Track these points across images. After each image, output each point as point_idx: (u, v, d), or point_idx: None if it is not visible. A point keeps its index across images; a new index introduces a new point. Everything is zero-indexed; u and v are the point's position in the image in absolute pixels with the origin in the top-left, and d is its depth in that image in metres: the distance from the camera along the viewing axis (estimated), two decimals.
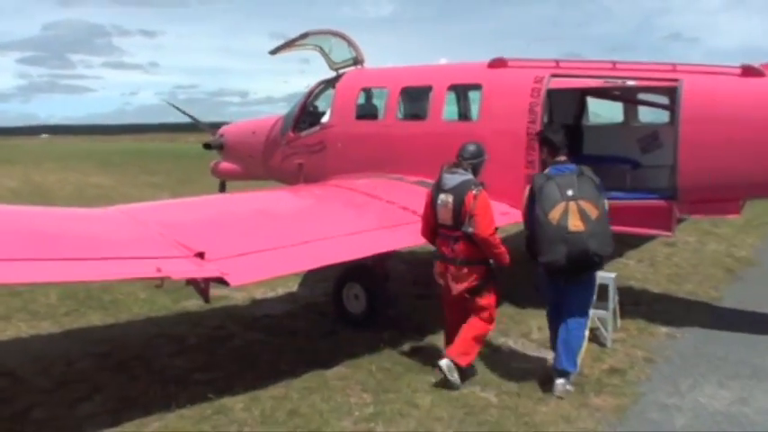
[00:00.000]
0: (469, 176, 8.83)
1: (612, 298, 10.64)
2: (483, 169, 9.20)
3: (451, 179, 8.81)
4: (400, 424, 7.77)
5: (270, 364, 9.64)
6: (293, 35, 15.87)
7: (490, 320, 9.06)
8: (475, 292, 8.82)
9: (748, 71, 10.54)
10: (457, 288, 8.81)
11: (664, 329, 11.22)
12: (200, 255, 7.93)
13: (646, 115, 14.92)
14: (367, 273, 11.33)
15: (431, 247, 12.61)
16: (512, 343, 10.54)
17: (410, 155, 13.19)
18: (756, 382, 9.08)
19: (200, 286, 8.31)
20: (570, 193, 8.31)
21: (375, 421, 7.83)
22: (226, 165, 18.26)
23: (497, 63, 12.72)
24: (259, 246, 8.66)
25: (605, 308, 10.47)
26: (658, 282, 14.65)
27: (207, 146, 18.86)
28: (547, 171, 8.84)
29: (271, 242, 8.86)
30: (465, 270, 8.74)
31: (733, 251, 17.90)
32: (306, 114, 15.74)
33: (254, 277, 8.46)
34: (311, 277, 13.34)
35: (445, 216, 8.79)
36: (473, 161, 9.04)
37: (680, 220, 11.86)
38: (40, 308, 12.68)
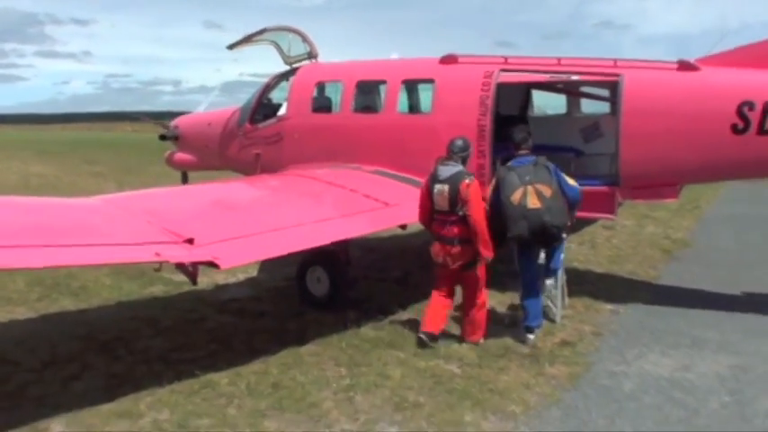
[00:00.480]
0: (461, 168, 9.94)
1: (560, 277, 11.42)
2: (470, 160, 10.55)
3: (446, 170, 9.88)
4: (376, 393, 8.45)
5: (245, 344, 10.22)
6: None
7: (484, 287, 10.31)
8: (469, 266, 9.97)
9: (684, 66, 11.42)
10: (454, 264, 9.93)
11: (608, 306, 12.08)
12: (190, 241, 8.49)
13: (587, 107, 15.69)
14: (329, 257, 11.91)
15: (381, 234, 13.44)
16: None
17: (366, 146, 13.83)
18: (696, 350, 9.96)
19: (189, 270, 8.87)
20: (528, 178, 9.88)
21: (353, 391, 8.51)
22: (181, 155, 18.63)
23: (449, 59, 13.41)
24: (243, 232, 9.24)
25: (554, 287, 11.28)
26: (600, 263, 15.58)
27: (162, 137, 19.17)
28: (509, 163, 10.27)
29: (253, 228, 9.48)
30: (460, 248, 9.83)
31: (669, 233, 19.02)
32: (262, 106, 16.21)
33: (241, 260, 9.00)
34: (269, 263, 13.59)
35: (442, 203, 9.85)
36: (462, 154, 10.18)
37: (619, 205, 12.62)
38: (11, 294, 13.00)
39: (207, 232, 8.85)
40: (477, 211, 9.70)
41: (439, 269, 10.27)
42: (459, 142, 10.30)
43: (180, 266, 8.85)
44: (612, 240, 18.09)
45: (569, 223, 10.46)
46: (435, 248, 10.10)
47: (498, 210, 10.02)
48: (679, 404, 8.21)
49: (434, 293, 10.38)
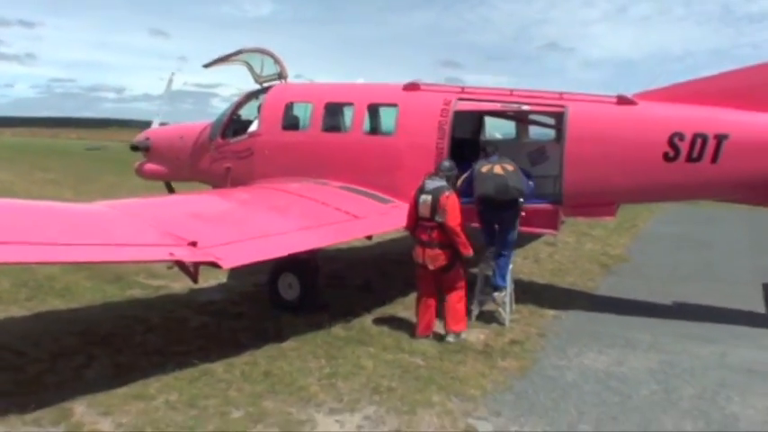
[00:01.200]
0: (444, 183, 11.43)
1: (508, 286, 12.79)
2: (453, 179, 11.93)
3: (431, 184, 11.41)
4: (354, 380, 9.71)
5: (231, 340, 11.33)
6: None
7: (462, 287, 11.72)
8: (446, 269, 11.37)
9: (623, 100, 12.88)
10: (433, 265, 11.33)
11: (551, 312, 13.48)
12: (193, 243, 9.57)
13: (534, 133, 17.04)
14: (300, 264, 12.96)
15: (340, 246, 15.03)
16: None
17: (333, 163, 15.02)
18: (630, 350, 11.39)
19: (190, 270, 9.95)
20: (494, 160, 12.62)
21: (334, 378, 9.77)
22: (151, 166, 19.52)
23: (411, 86, 14.79)
24: (238, 237, 10.39)
25: (503, 295, 12.69)
26: (543, 275, 17.06)
27: (134, 147, 20.10)
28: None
29: (247, 234, 10.63)
30: (438, 251, 11.25)
31: (607, 250, 20.65)
32: (233, 122, 17.28)
33: (239, 261, 9.99)
34: (237, 270, 14.30)
35: (425, 211, 11.36)
36: (448, 173, 11.75)
37: (561, 222, 13.95)
38: (0, 294, 13.90)
39: (207, 236, 9.93)
40: (453, 219, 11.15)
41: (419, 270, 11.64)
42: (447, 164, 12.01)
43: (182, 267, 9.91)
44: (554, 256, 19.58)
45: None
46: (417, 251, 11.52)
47: (473, 182, 12.54)
48: (614, 391, 9.63)
49: (420, 297, 11.82)
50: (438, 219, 11.21)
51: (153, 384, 9.40)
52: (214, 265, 9.59)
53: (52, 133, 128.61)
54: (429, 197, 11.33)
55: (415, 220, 11.60)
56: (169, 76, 21.66)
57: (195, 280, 10.22)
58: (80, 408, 8.70)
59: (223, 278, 15.42)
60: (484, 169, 12.49)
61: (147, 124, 20.93)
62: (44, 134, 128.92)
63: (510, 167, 12.45)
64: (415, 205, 11.55)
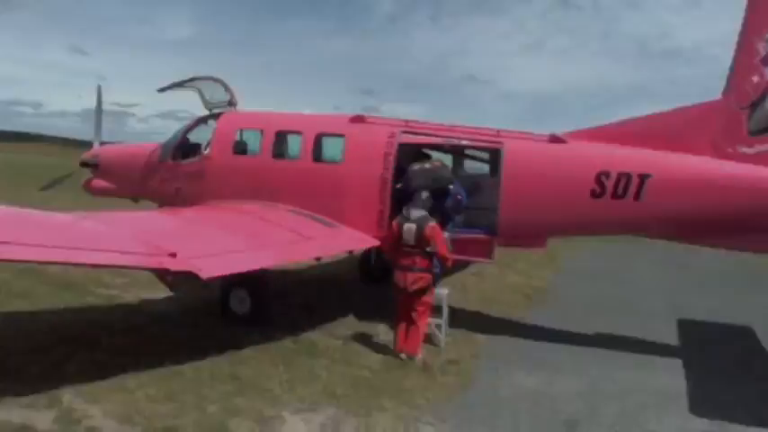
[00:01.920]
0: (425, 213, 12.49)
1: (445, 310, 13.82)
2: (429, 208, 12.86)
3: (415, 213, 12.44)
4: (312, 386, 10.68)
5: (193, 346, 12.00)
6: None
7: (429, 313, 12.83)
8: (422, 291, 12.38)
9: (554, 139, 14.05)
10: (412, 287, 12.31)
11: (482, 336, 14.49)
12: (173, 255, 10.35)
13: (469, 167, 18.19)
14: (252, 280, 13.51)
15: (274, 270, 15.07)
16: (375, 339, 13.65)
17: (283, 188, 15.80)
18: (554, 372, 12.46)
19: (168, 279, 10.67)
20: (426, 161, 15.05)
21: (293, 383, 10.73)
22: (99, 182, 20.16)
23: (357, 119, 15.76)
24: (213, 251, 11.22)
25: (440, 317, 13.69)
26: (471, 303, 18.00)
27: (84, 164, 20.61)
28: None
29: (224, 247, 11.51)
30: (419, 275, 12.27)
31: (531, 282, 21.79)
32: (182, 145, 18.02)
33: (216, 272, 10.73)
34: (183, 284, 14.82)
35: (409, 237, 12.40)
36: (427, 203, 12.76)
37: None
38: None
39: (186, 249, 10.71)
40: (442, 247, 12.41)
41: (399, 295, 12.60)
42: (425, 194, 12.97)
43: (162, 277, 10.59)
44: (480, 286, 20.59)
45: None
46: (398, 276, 12.49)
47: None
48: (545, 407, 10.73)
49: (399, 320, 12.70)
50: (429, 249, 12.31)
51: (130, 380, 10.21)
52: (192, 275, 10.33)
53: None
54: (414, 225, 12.34)
55: (395, 246, 12.60)
56: (97, 90, 22.10)
57: (172, 288, 10.95)
58: (67, 396, 9.52)
59: (170, 291, 15.70)
60: (416, 167, 14.23)
61: (63, 140, 21.22)
62: None
63: (438, 163, 14.55)
64: (398, 232, 12.51)
